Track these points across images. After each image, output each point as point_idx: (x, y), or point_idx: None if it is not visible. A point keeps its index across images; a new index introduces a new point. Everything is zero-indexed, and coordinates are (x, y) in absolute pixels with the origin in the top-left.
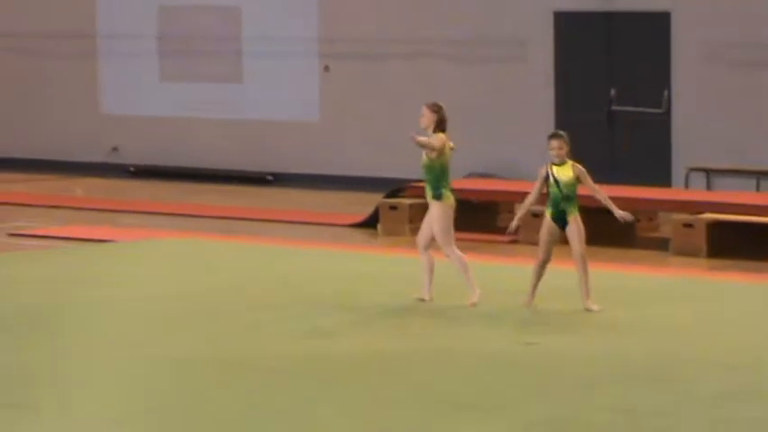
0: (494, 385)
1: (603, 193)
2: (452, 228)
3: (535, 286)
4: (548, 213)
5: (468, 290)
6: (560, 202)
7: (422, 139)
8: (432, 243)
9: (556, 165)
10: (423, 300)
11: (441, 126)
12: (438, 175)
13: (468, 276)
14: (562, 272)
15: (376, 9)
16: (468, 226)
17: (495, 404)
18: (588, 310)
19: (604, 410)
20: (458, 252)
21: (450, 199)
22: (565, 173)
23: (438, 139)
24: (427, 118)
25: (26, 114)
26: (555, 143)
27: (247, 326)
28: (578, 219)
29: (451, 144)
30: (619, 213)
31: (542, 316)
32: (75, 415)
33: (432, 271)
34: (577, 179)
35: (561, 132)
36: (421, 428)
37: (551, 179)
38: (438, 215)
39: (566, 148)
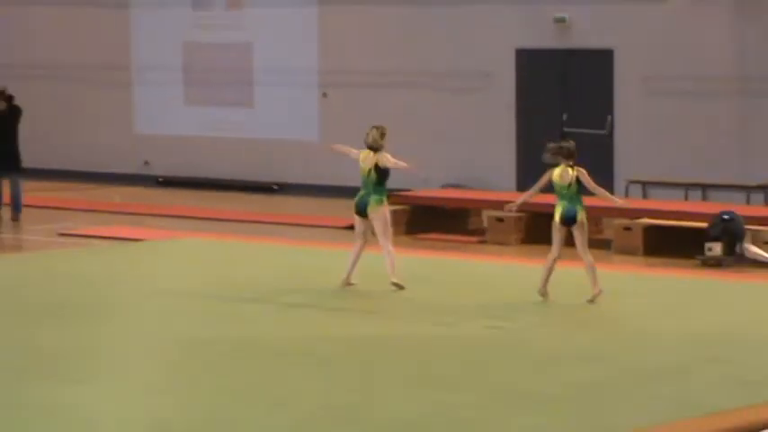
0: (462, 362)
1: (590, 181)
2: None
3: (546, 279)
4: (559, 215)
5: (392, 271)
6: (564, 202)
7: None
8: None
9: (554, 168)
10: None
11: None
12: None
13: (394, 264)
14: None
15: (366, 46)
16: (443, 229)
17: (463, 377)
18: (590, 301)
19: (554, 384)
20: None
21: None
22: (558, 176)
23: (384, 156)
24: (376, 139)
25: (71, 133)
26: (550, 146)
27: (258, 312)
28: (584, 218)
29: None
30: (617, 203)
31: (505, 306)
32: (120, 386)
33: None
34: (577, 181)
35: (561, 143)
36: (402, 398)
37: (552, 182)
38: (386, 217)
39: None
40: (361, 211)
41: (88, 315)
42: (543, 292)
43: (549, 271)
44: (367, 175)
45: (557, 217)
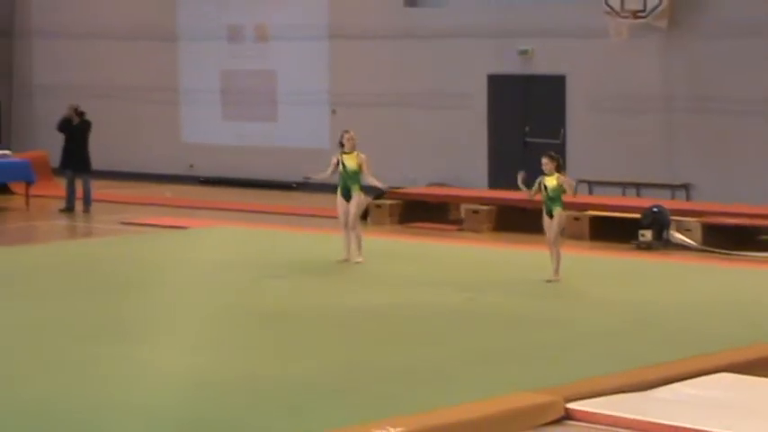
0: (443, 325)
1: (571, 183)
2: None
3: (556, 268)
4: (544, 211)
5: (357, 252)
6: (548, 202)
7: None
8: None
9: (546, 176)
10: (346, 260)
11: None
12: (360, 177)
13: (360, 246)
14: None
15: (368, 72)
16: (428, 219)
17: (444, 337)
18: (548, 281)
19: (518, 343)
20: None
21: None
22: (551, 182)
23: (363, 159)
24: (352, 143)
25: (131, 141)
26: (543, 160)
27: (282, 285)
28: (561, 214)
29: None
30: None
31: (478, 280)
32: (172, 345)
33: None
34: (561, 186)
35: (550, 153)
36: (395, 353)
37: (542, 186)
38: (362, 203)
39: (551, 165)
40: (346, 196)
41: (145, 288)
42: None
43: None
44: (353, 172)
45: (544, 213)
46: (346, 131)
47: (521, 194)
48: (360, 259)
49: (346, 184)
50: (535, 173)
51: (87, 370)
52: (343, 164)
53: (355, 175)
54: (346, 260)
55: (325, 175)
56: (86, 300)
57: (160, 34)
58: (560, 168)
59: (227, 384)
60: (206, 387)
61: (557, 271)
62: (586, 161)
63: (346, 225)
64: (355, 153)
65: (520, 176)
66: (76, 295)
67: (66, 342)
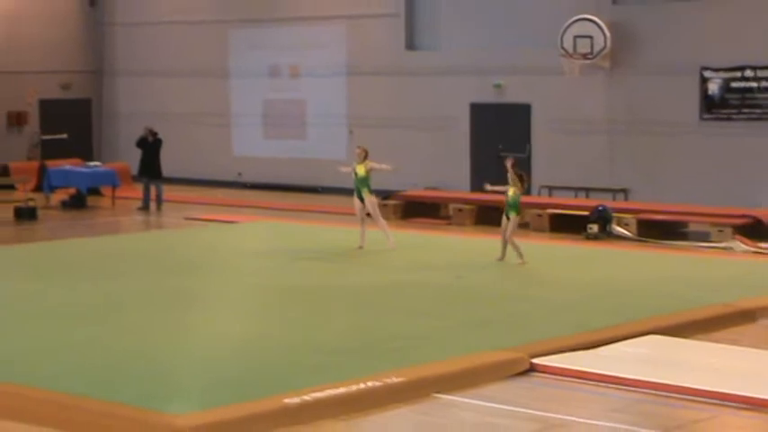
0: (437, 299)
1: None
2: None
3: (518, 252)
4: (504, 213)
5: (387, 239)
6: (506, 207)
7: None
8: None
9: (510, 186)
10: (361, 248)
11: (367, 157)
12: (369, 181)
13: (387, 233)
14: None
15: (377, 101)
16: (422, 215)
17: (439, 311)
18: (519, 263)
19: (499, 313)
20: (383, 220)
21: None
22: (511, 191)
23: (368, 164)
24: (361, 155)
25: (192, 155)
26: (507, 163)
27: (310, 266)
28: (515, 218)
29: (371, 165)
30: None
31: (464, 263)
32: (223, 314)
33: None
34: (517, 195)
35: (513, 161)
36: (399, 322)
37: (506, 194)
38: (373, 202)
39: (513, 175)
40: (359, 197)
41: (204, 269)
42: (502, 257)
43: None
44: (362, 177)
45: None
46: (357, 147)
47: (495, 196)
48: (392, 245)
49: (358, 187)
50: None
51: (160, 332)
52: (355, 172)
53: (363, 180)
54: (361, 247)
55: (345, 170)
56: (158, 278)
57: (215, 72)
58: (524, 182)
59: (265, 345)
60: (247, 346)
61: (521, 256)
62: (547, 170)
63: (362, 220)
64: (364, 163)
65: (487, 185)
66: (151, 275)
67: (143, 308)
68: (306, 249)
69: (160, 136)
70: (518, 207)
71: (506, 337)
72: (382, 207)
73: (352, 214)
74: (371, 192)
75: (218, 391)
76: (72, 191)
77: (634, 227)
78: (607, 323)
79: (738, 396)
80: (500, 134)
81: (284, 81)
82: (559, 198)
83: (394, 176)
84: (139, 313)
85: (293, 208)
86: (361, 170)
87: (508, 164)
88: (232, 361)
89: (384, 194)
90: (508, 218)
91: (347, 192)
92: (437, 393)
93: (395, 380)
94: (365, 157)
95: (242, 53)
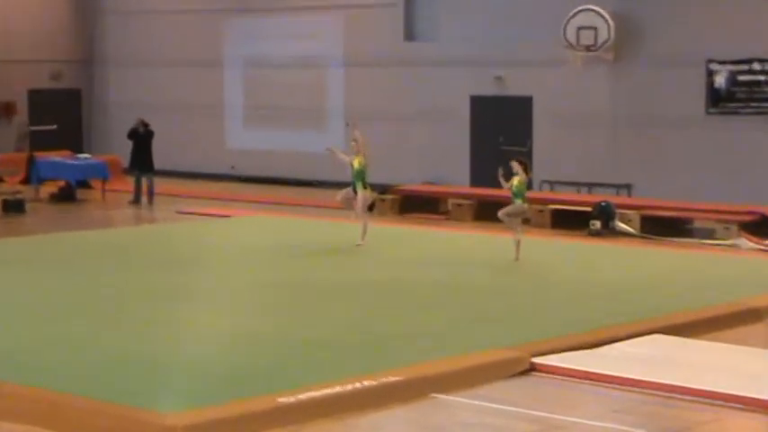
0: (436, 297)
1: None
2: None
3: (516, 248)
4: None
5: (361, 236)
6: (512, 197)
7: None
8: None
9: (515, 176)
10: (360, 245)
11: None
12: (364, 175)
13: (365, 231)
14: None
15: (375, 93)
16: (420, 210)
17: (437, 308)
18: (515, 259)
19: (493, 309)
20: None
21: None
22: (517, 180)
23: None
24: (357, 146)
25: (184, 147)
26: (513, 163)
27: (304, 262)
28: (522, 206)
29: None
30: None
31: (461, 259)
32: (215, 308)
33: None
34: (523, 184)
35: (519, 158)
36: (394, 318)
37: (511, 184)
38: (366, 198)
39: (519, 167)
40: (355, 191)
41: (196, 264)
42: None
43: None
44: (356, 171)
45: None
46: (353, 139)
47: (497, 191)
48: (360, 242)
49: (354, 180)
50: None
51: (150, 325)
52: (351, 165)
53: (358, 174)
54: (360, 245)
55: (344, 158)
56: (150, 273)
57: (209, 62)
58: (528, 170)
59: (258, 341)
60: (240, 343)
61: (518, 251)
62: (549, 165)
63: (362, 214)
64: (359, 156)
65: (500, 173)
66: (142, 270)
67: (134, 303)
68: (301, 245)
69: (152, 128)
70: (524, 195)
71: (506, 335)
72: (380, 202)
73: (351, 209)
74: (366, 187)
75: (210, 388)
76: (61, 183)
77: (637, 223)
78: (610, 322)
79: (745, 397)
80: (501, 127)
81: (279, 72)
82: (561, 193)
83: (392, 170)
84: (130, 309)
85: (288, 202)
86: (355, 163)
87: (514, 165)
88: (225, 358)
89: (381, 189)
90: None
91: (344, 185)
92: (435, 393)
93: (391, 379)
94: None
95: (236, 43)
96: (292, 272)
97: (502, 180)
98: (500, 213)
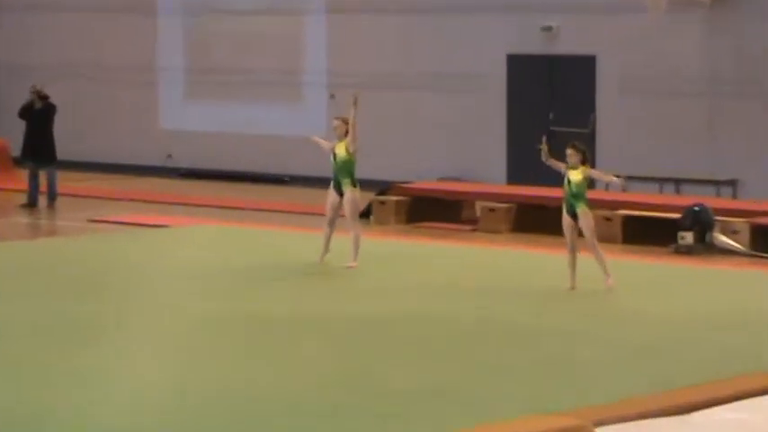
0: (453, 339)
1: (600, 174)
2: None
3: (572, 272)
4: (563, 209)
5: (353, 255)
6: (570, 199)
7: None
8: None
9: (570, 168)
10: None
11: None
12: (353, 168)
13: (358, 247)
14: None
15: (370, 50)
16: (439, 218)
17: (457, 356)
18: (609, 287)
19: (541, 360)
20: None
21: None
22: (575, 175)
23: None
24: (341, 129)
25: (100, 128)
26: (568, 151)
27: (271, 291)
28: (587, 212)
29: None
30: (614, 181)
31: (494, 288)
32: (145, 358)
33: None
34: (585, 181)
35: (575, 143)
36: (397, 369)
37: (565, 179)
38: (356, 199)
39: (577, 156)
40: (337, 189)
41: (117, 292)
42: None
43: (572, 264)
44: (342, 161)
45: (564, 212)
46: (336, 118)
47: (543, 191)
48: (353, 264)
49: (336, 175)
50: (558, 172)
51: (48, 383)
52: (334, 153)
53: (345, 165)
54: (318, 262)
55: (325, 146)
56: (48, 306)
57: (135, 7)
58: (587, 161)
59: (208, 402)
60: (183, 405)
61: (606, 272)
62: (618, 152)
63: (331, 222)
64: (345, 141)
65: (544, 144)
66: (37, 300)
67: (25, 350)
68: (266, 265)
69: (53, 100)
70: (586, 198)
71: (557, 395)
72: (378, 206)
73: (322, 215)
74: (356, 184)
75: None
76: None
77: (746, 236)
78: (703, 377)
79: None
80: (551, 99)
81: (236, 21)
82: (637, 194)
83: (393, 161)
84: (16, 353)
85: (247, 206)
86: (340, 150)
87: (571, 154)
88: (162, 427)
89: (381, 187)
90: (572, 215)
91: (325, 183)
92: None
93: None
94: (347, 133)
95: None
96: (254, 303)
97: (545, 151)
98: (588, 233)
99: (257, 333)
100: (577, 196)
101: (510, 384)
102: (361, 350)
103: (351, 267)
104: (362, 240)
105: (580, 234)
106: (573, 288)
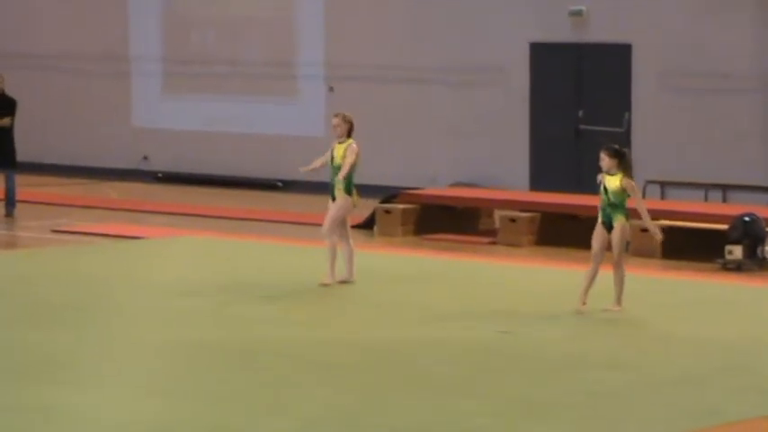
0: (472, 368)
1: (644, 208)
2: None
3: (586, 289)
4: (599, 219)
5: (348, 271)
6: (606, 208)
7: (345, 168)
8: (336, 230)
9: (607, 175)
10: (326, 284)
11: (351, 133)
12: (352, 174)
13: (352, 262)
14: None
15: (374, 39)
16: (453, 229)
17: (473, 383)
18: (605, 310)
19: (569, 392)
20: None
21: (356, 195)
22: (613, 182)
23: (352, 150)
24: (341, 128)
25: (67, 126)
26: (602, 155)
27: (260, 314)
28: (624, 226)
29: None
30: (652, 229)
31: (517, 310)
32: (118, 389)
33: (335, 256)
34: (624, 191)
35: (609, 145)
36: (407, 404)
37: (601, 186)
38: (347, 207)
39: (613, 161)
40: (332, 197)
41: (84, 316)
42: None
43: (590, 280)
44: (338, 167)
45: (599, 222)
46: (335, 115)
47: (570, 198)
48: (350, 278)
49: (332, 181)
50: (591, 170)
51: (7, 421)
52: (332, 156)
53: (339, 170)
54: (326, 285)
55: (315, 165)
56: (9, 330)
57: None
58: (627, 167)
59: None
60: None
61: (619, 299)
62: (657, 155)
63: (329, 234)
64: (347, 143)
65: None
66: None
67: None
68: (253, 283)
69: (12, 94)
70: (626, 208)
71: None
72: (383, 216)
73: (319, 224)
74: (351, 191)
75: None
76: None
77: None
78: (756, 412)
79: None
80: (580, 95)
81: (219, 2)
82: (678, 202)
83: (400, 165)
84: None
85: (233, 215)
86: (338, 153)
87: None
88: None
89: (385, 193)
90: (608, 226)
91: (323, 189)
92: None
93: None
94: (349, 133)
95: None
96: (241, 329)
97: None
98: (617, 249)
99: (238, 368)
100: (615, 206)
101: (536, 421)
102: (360, 383)
103: (347, 282)
104: (361, 254)
105: (609, 248)
106: (584, 304)
